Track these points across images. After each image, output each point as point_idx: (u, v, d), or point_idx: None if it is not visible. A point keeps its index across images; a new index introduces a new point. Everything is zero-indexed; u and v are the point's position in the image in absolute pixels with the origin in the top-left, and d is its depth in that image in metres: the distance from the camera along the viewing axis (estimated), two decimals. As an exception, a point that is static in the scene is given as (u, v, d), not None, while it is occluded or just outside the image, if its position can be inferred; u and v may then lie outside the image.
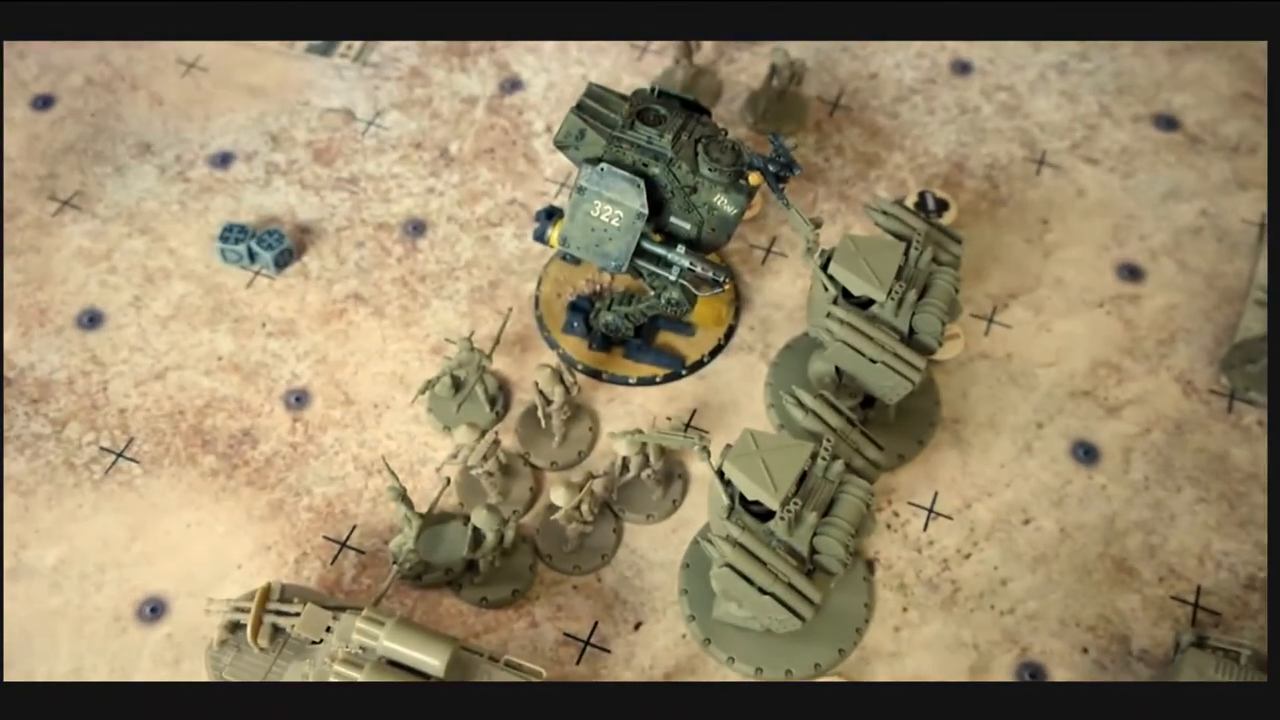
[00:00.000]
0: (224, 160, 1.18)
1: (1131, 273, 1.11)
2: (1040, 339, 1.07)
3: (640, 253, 0.94)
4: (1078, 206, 1.16)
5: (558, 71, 1.26)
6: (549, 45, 1.28)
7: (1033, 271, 1.11)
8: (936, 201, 1.15)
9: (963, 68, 1.26)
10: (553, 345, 1.06)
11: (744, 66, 1.26)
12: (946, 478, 0.99)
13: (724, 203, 0.93)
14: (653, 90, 0.96)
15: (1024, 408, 1.03)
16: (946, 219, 1.14)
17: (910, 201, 1.15)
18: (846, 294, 0.91)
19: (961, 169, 1.18)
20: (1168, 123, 1.22)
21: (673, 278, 0.94)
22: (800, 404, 0.86)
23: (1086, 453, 1.01)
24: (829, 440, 0.82)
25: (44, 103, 1.22)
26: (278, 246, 1.09)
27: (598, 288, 1.08)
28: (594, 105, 0.94)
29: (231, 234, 1.09)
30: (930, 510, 0.98)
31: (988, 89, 1.25)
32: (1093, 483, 0.99)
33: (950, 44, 1.28)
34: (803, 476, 0.81)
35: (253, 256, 1.09)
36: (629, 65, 1.26)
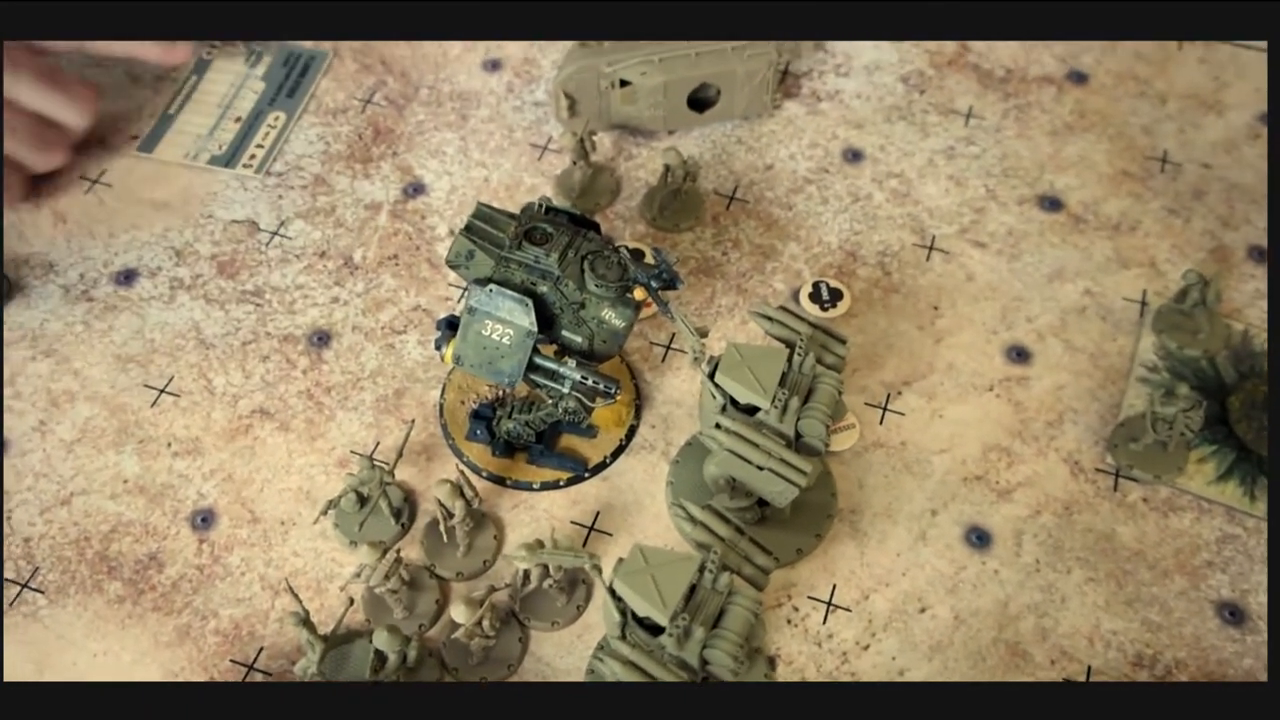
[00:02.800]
0: (128, 278, 1.19)
1: (1020, 355, 1.15)
2: (933, 425, 1.10)
3: (533, 367, 0.96)
4: (967, 291, 1.20)
5: (460, 174, 1.28)
6: (451, 148, 1.30)
7: (925, 358, 1.15)
8: (830, 291, 1.18)
9: (854, 156, 1.30)
10: (457, 453, 1.07)
11: (641, 163, 1.30)
12: (845, 570, 1.02)
13: (612, 317, 0.95)
14: (541, 206, 0.99)
15: (919, 496, 1.06)
16: (841, 308, 1.17)
17: (805, 292, 1.18)
18: (734, 401, 0.94)
19: (855, 257, 1.22)
20: (1052, 203, 1.27)
21: (566, 390, 0.96)
22: (689, 516, 0.88)
23: (979, 538, 1.04)
24: (716, 551, 0.84)
25: (-54, 225, 1.23)
26: None
27: (500, 395, 1.10)
28: (482, 225, 0.97)
29: None
30: (829, 603, 1.00)
31: (879, 176, 1.29)
32: (986, 568, 1.02)
33: (842, 132, 1.32)
34: (692, 590, 0.83)
35: None
36: (529, 165, 1.29)
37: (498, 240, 0.96)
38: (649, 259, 1.18)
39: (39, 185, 1.25)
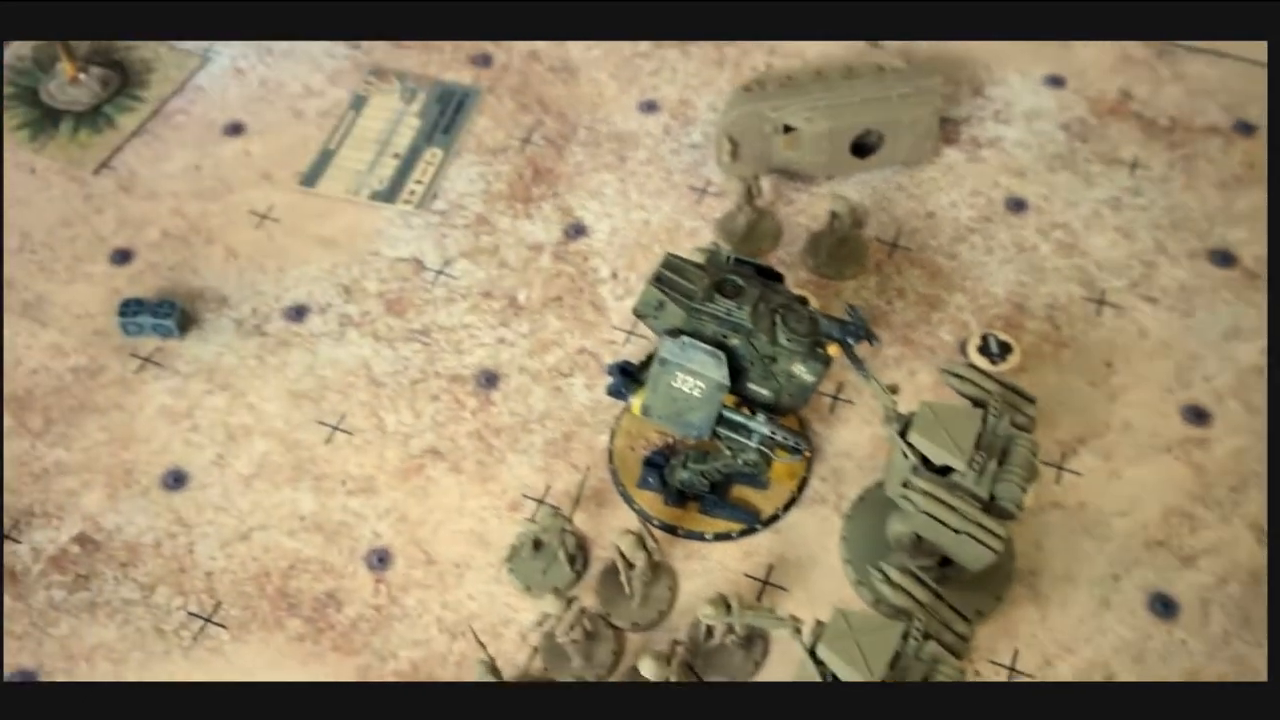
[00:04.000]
0: (299, 313, 1.21)
1: (1198, 415, 1.12)
2: (1111, 486, 1.08)
3: (721, 420, 0.96)
4: (1140, 347, 1.17)
5: (620, 216, 1.29)
6: (610, 190, 1.31)
7: (1100, 416, 1.13)
8: (999, 345, 1.16)
9: (1018, 205, 1.29)
10: (628, 501, 1.07)
11: (802, 208, 1.29)
12: (1026, 634, 1.00)
13: (802, 371, 0.94)
14: (728, 258, 0.99)
15: (1099, 559, 1.04)
16: (1010, 362, 1.15)
17: (973, 345, 1.16)
18: (925, 460, 0.93)
19: (1022, 309, 1.20)
20: (1224, 258, 1.24)
21: (753, 444, 0.96)
22: (887, 579, 0.87)
23: (1165, 605, 1.01)
24: (919, 619, 0.83)
25: (122, 257, 1.25)
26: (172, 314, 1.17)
27: (671, 442, 1.09)
28: (672, 276, 0.97)
29: (129, 308, 1.17)
30: (1011, 669, 0.98)
31: (1044, 227, 1.27)
32: (1173, 637, 1.00)
33: (1004, 181, 1.31)
34: (896, 657, 0.82)
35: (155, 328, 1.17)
36: (689, 209, 1.29)
37: (688, 291, 0.96)
38: (814, 306, 1.17)
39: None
